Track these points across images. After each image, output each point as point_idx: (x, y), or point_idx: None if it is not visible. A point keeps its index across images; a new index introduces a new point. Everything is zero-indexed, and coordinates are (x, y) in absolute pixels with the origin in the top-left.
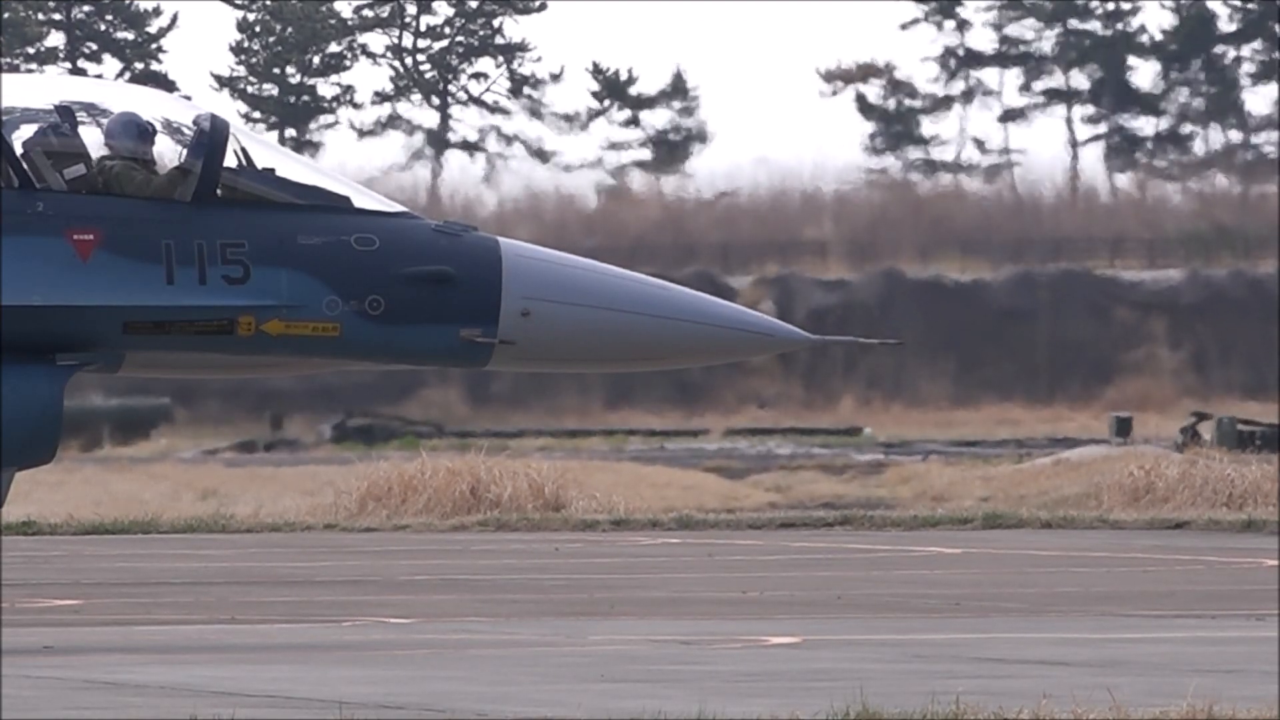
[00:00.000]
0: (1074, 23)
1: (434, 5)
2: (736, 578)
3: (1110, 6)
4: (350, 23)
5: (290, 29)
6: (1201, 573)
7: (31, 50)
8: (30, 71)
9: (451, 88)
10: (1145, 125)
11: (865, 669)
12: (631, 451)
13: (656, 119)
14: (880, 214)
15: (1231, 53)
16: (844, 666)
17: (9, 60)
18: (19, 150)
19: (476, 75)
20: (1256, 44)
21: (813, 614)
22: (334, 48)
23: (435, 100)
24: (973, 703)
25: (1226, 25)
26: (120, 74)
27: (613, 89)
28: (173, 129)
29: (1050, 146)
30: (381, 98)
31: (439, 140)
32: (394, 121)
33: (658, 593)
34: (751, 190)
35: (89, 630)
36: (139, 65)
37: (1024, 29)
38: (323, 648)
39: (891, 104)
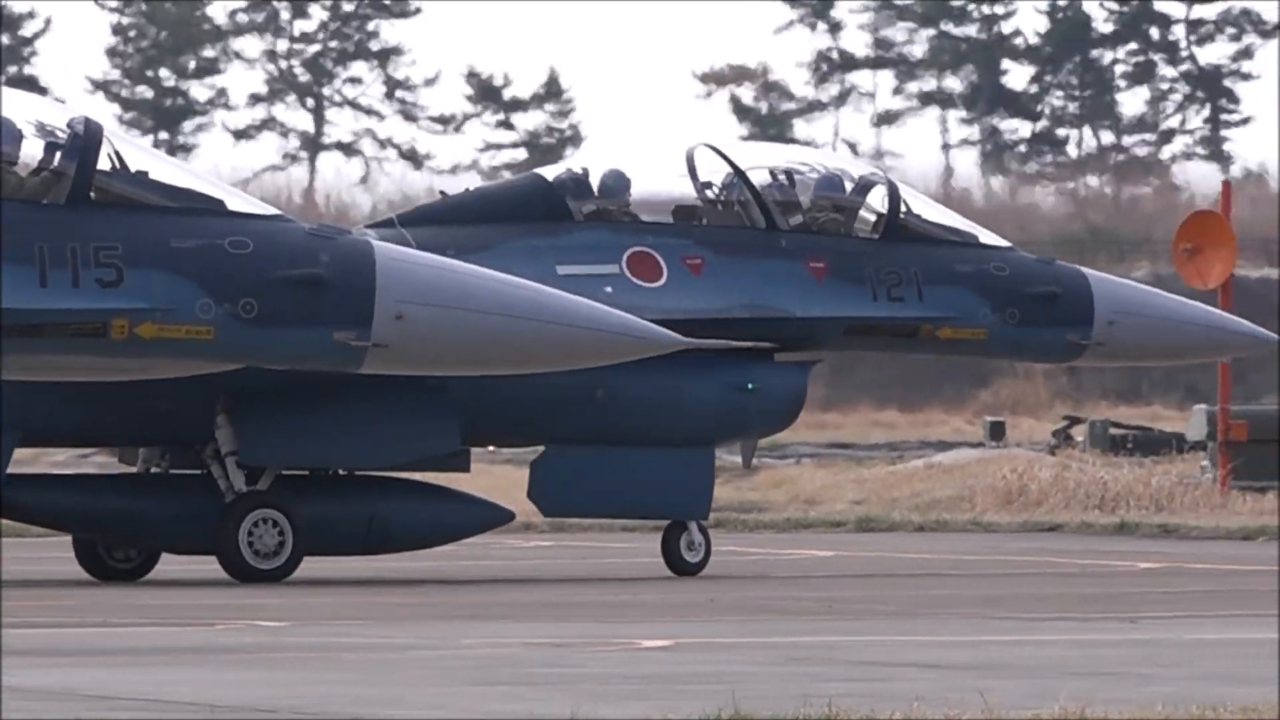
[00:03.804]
0: (948, 26)
1: (308, 9)
2: (610, 581)
3: (985, 9)
4: (224, 26)
5: (165, 32)
6: (1074, 575)
7: None
8: None
9: (326, 91)
10: (1020, 128)
11: (738, 671)
12: (505, 454)
13: (531, 121)
14: None
15: (1106, 55)
16: (717, 669)
17: None
18: None
19: (351, 79)
20: (1131, 46)
21: (686, 617)
22: (208, 51)
23: (310, 103)
24: (845, 705)
25: (1101, 28)
26: None
27: (487, 92)
28: (46, 132)
29: (924, 149)
30: (256, 100)
31: (313, 143)
32: (268, 124)
33: (532, 596)
34: None
35: None
36: (12, 69)
37: (898, 32)
38: (195, 650)
39: (765, 107)
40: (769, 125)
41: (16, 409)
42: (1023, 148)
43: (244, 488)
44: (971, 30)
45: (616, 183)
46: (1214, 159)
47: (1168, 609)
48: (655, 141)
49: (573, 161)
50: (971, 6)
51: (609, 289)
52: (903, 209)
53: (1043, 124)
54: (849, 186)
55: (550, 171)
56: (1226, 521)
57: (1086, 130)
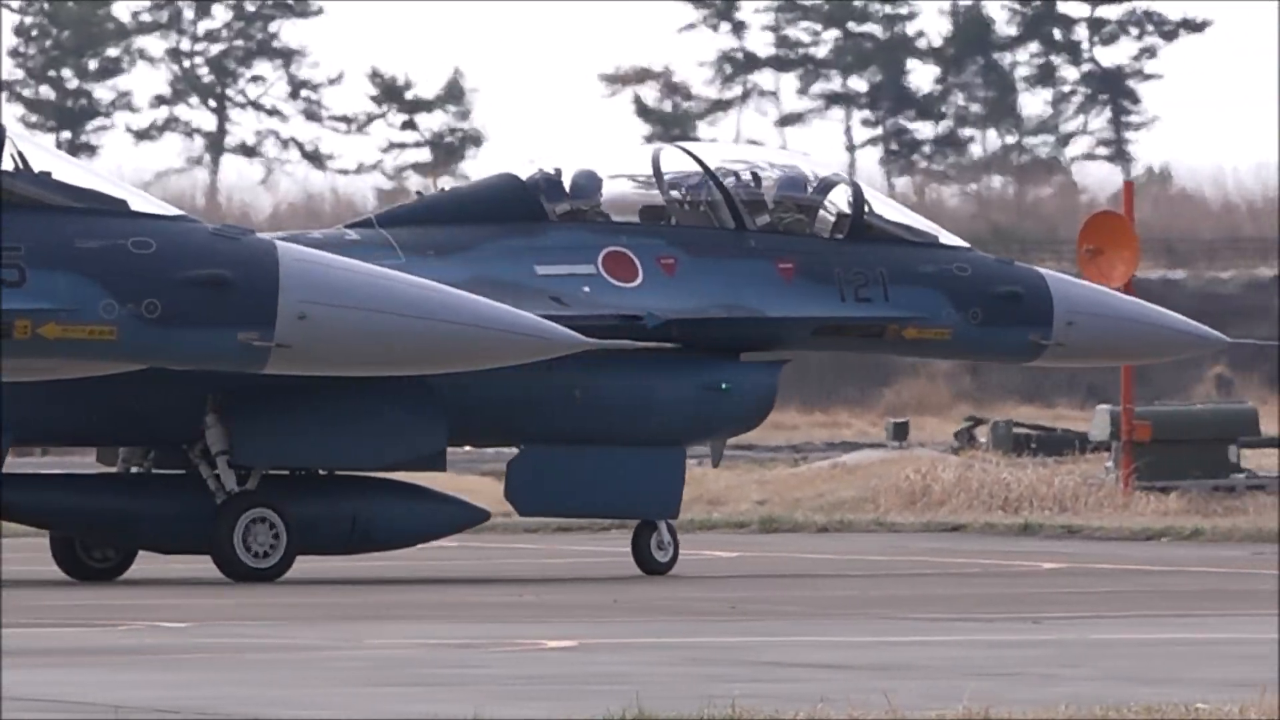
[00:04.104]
0: (852, 26)
1: (211, 9)
2: (513, 582)
3: (888, 10)
4: (128, 26)
5: (67, 32)
6: (978, 576)
7: None
8: None
9: (229, 91)
10: (923, 128)
11: (641, 672)
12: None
13: (434, 122)
14: None
15: (1008, 57)
16: (620, 670)
17: None
18: None
19: (254, 79)
20: (1034, 47)
21: (589, 618)
22: (111, 51)
23: (213, 104)
24: (749, 706)
25: (1003, 29)
26: None
27: (390, 92)
28: None
29: (828, 150)
30: (159, 101)
31: (216, 144)
32: (171, 125)
33: (434, 596)
34: None
35: None
36: None
37: (801, 32)
38: (97, 651)
39: (669, 107)
40: (672, 125)
41: (10, 410)
42: (926, 148)
43: (235, 487)
44: (875, 31)
45: (589, 183)
46: (1116, 159)
47: (1071, 609)
48: (622, 141)
49: (544, 161)
50: (875, 7)
51: (587, 289)
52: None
53: (946, 125)
54: (812, 186)
55: (523, 171)
56: (1130, 522)
57: (990, 131)
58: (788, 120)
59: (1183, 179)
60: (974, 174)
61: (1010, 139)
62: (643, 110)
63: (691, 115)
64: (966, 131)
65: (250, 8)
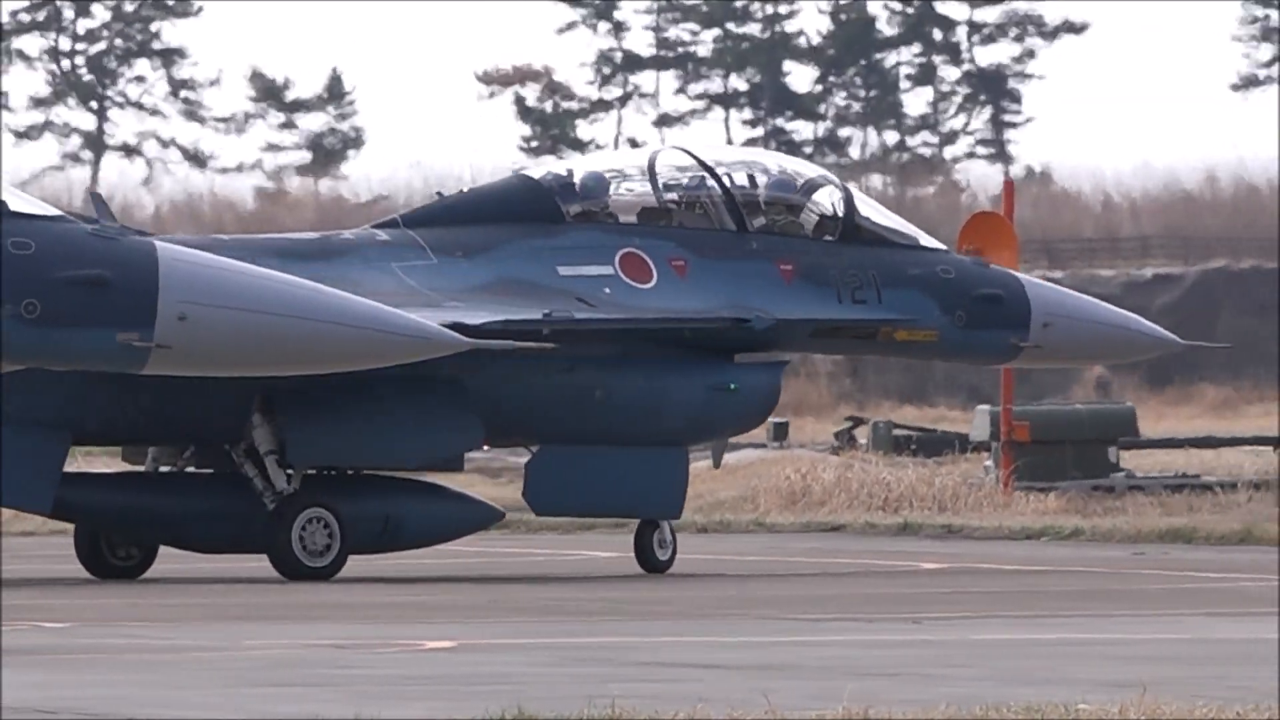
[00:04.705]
0: (732, 26)
1: (91, 9)
2: (394, 582)
3: (769, 10)
4: (6, 26)
5: None
6: (858, 576)
7: None
8: None
9: (109, 91)
10: (803, 128)
11: (522, 672)
12: None
13: (313, 122)
14: None
15: (889, 57)
16: (500, 670)
17: None
18: None
19: (135, 79)
20: (915, 47)
21: (469, 618)
22: None
23: (93, 104)
24: (629, 706)
25: (884, 29)
26: None
27: (270, 92)
28: None
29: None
30: (37, 101)
31: (96, 143)
32: (50, 125)
33: (315, 597)
34: (407, 194)
35: None
36: None
37: (681, 32)
38: None
39: (549, 107)
40: (552, 126)
41: (67, 410)
42: (806, 148)
43: (285, 487)
44: (755, 31)
45: (598, 184)
46: (996, 159)
47: (951, 609)
48: (623, 143)
49: (554, 164)
50: (755, 7)
51: (608, 290)
52: (857, 211)
53: (826, 124)
54: (803, 188)
55: (535, 172)
56: (1009, 522)
57: (870, 131)
58: (667, 120)
59: (1062, 179)
60: (854, 174)
61: (891, 139)
62: (523, 110)
63: (572, 115)
64: (846, 131)
65: (130, 7)
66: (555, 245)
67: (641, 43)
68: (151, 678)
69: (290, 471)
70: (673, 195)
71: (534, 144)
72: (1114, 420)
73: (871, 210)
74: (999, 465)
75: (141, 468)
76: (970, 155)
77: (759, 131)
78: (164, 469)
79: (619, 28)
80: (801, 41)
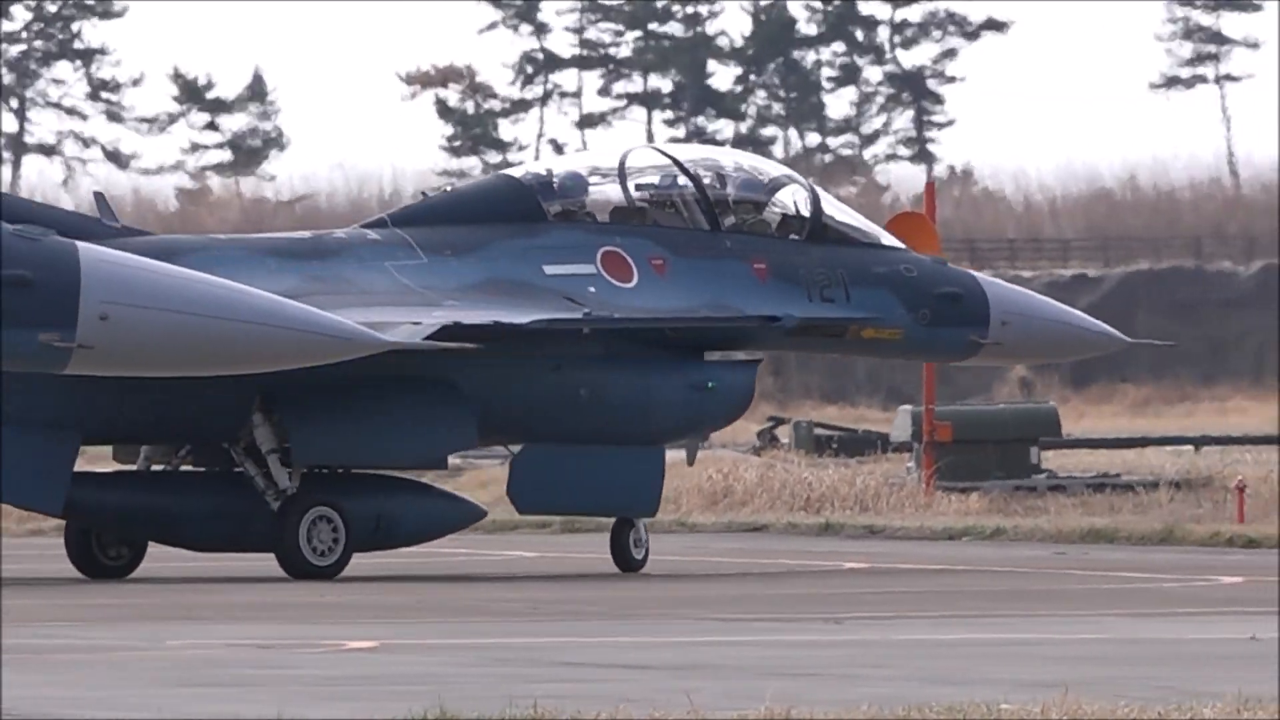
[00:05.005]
0: (654, 26)
1: (11, 9)
2: (314, 583)
3: (690, 10)
4: None
5: None
6: (780, 576)
7: None
8: None
9: (29, 92)
10: (725, 128)
11: (444, 673)
12: None
13: (235, 122)
14: None
15: (810, 57)
16: (422, 670)
17: None
18: None
19: (55, 80)
20: (836, 47)
21: (391, 619)
22: None
23: (13, 104)
24: (551, 706)
25: (805, 29)
26: None
27: (192, 93)
28: None
29: None
30: None
31: (16, 144)
32: None
33: (238, 597)
34: (329, 193)
35: None
36: None
37: (603, 33)
38: None
39: (470, 107)
40: (474, 126)
41: (77, 409)
42: (728, 148)
43: (288, 485)
44: (677, 31)
45: (576, 183)
46: (918, 160)
47: (873, 609)
48: (595, 142)
49: (533, 164)
50: (676, 7)
51: (592, 289)
52: (823, 210)
53: (748, 124)
54: (770, 187)
55: (516, 171)
56: (931, 522)
57: (792, 131)
58: (590, 120)
59: (984, 179)
60: None
61: (813, 139)
62: (445, 111)
63: (494, 115)
64: (769, 131)
65: (51, 8)
66: (539, 244)
67: (563, 43)
68: (74, 678)
69: (289, 470)
70: (647, 194)
71: (456, 144)
72: (1036, 420)
73: (835, 209)
74: (921, 465)
75: (133, 466)
76: (892, 156)
77: (680, 132)
78: (156, 468)
79: (541, 28)
80: (723, 41)
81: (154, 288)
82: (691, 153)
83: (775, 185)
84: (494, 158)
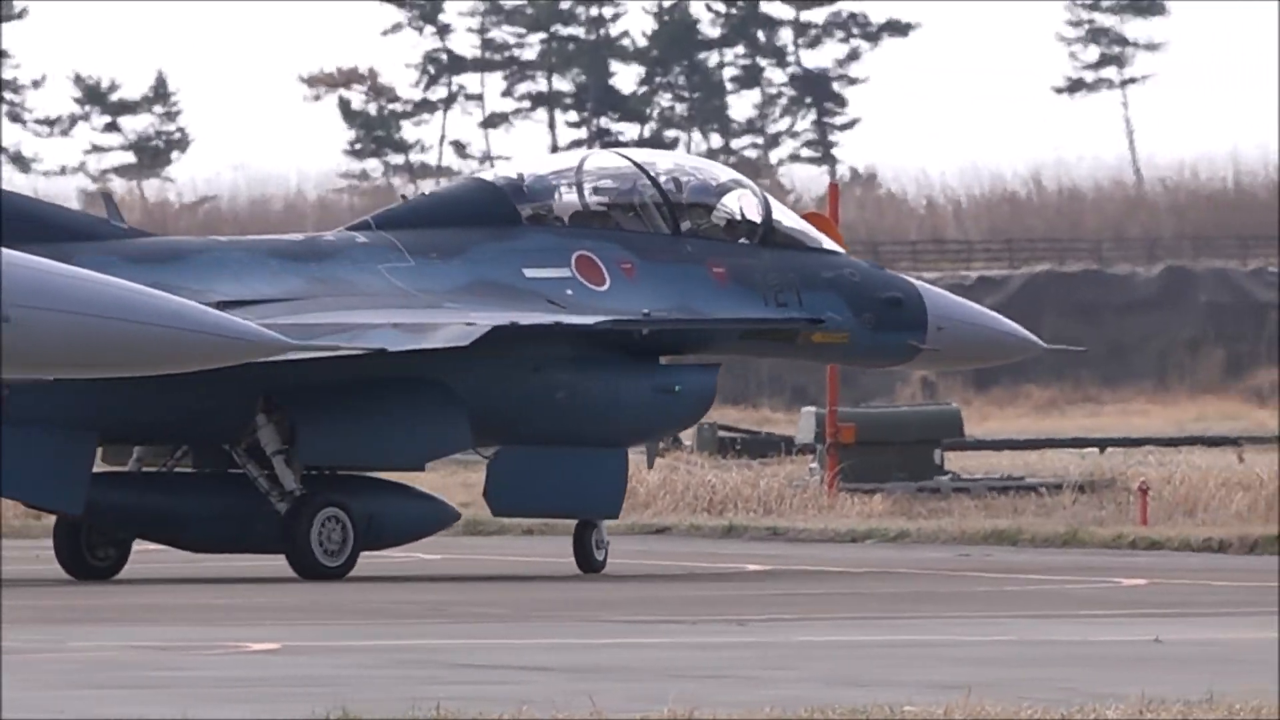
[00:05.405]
0: (557, 27)
1: None
2: (219, 583)
3: (594, 12)
4: None
5: None
6: (682, 578)
7: None
8: None
9: None
10: (628, 130)
11: (346, 675)
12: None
13: (138, 124)
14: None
15: (714, 58)
16: (325, 672)
17: None
18: None
19: None
20: (739, 49)
21: (293, 621)
22: None
23: None
24: (453, 708)
25: (708, 31)
26: None
27: (94, 95)
28: None
29: (533, 151)
30: None
31: None
32: None
33: (139, 599)
34: (232, 196)
35: None
36: None
37: (506, 34)
38: None
39: (374, 109)
40: (377, 127)
41: (93, 410)
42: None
43: (294, 487)
44: (580, 32)
45: (544, 187)
46: (821, 162)
47: (776, 611)
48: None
49: (503, 166)
50: (579, 9)
51: (570, 292)
52: (774, 214)
53: (651, 126)
54: (719, 190)
55: (489, 175)
56: (835, 524)
57: (696, 133)
58: (493, 121)
59: (887, 181)
60: None
61: (717, 141)
62: (348, 113)
63: (397, 117)
64: (672, 133)
65: None
66: (516, 248)
67: (466, 44)
68: None
69: (293, 471)
70: (607, 198)
71: (358, 146)
72: (939, 422)
73: (782, 214)
74: (824, 467)
75: (124, 468)
76: (795, 158)
77: (584, 133)
78: (147, 470)
79: (444, 30)
80: (626, 43)
81: (58, 290)
82: (646, 156)
83: (723, 189)
84: (397, 159)
